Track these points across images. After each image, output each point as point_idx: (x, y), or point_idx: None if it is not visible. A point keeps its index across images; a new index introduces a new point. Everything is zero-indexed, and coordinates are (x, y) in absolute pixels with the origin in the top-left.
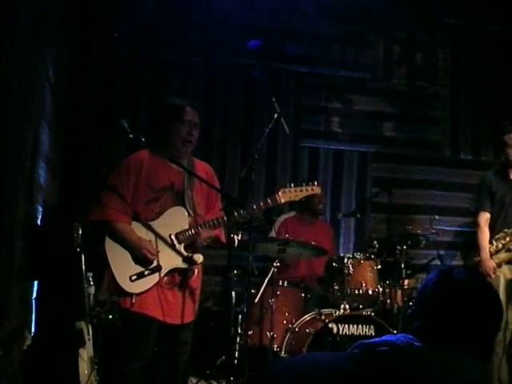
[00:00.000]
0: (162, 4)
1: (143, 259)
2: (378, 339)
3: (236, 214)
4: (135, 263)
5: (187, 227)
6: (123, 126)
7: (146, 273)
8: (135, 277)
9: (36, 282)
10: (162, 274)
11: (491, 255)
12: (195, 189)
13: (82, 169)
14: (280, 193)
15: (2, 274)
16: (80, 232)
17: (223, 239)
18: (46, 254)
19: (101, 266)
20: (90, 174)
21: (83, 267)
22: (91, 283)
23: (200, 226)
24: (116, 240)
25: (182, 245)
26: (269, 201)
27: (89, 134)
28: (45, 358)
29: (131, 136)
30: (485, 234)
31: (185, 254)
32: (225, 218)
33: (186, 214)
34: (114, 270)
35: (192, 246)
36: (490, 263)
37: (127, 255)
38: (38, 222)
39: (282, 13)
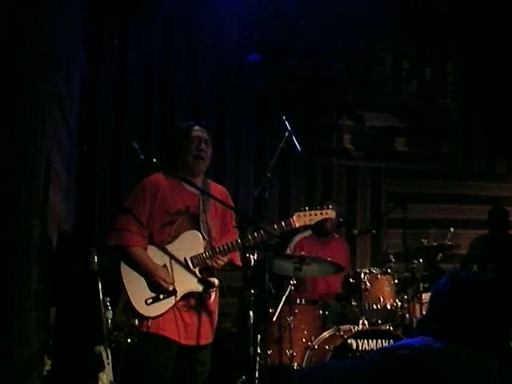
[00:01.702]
0: (171, 27)
1: (159, 286)
2: (397, 343)
3: (251, 237)
4: (150, 289)
5: (202, 251)
6: (135, 147)
7: (162, 297)
8: (151, 300)
9: (54, 308)
10: (178, 298)
11: None
12: (210, 212)
13: (95, 193)
14: (295, 217)
15: (19, 299)
16: (96, 256)
17: (238, 262)
18: (63, 280)
19: (117, 290)
20: (104, 199)
21: (100, 292)
22: (109, 308)
23: (215, 250)
24: (132, 265)
25: (197, 268)
26: (283, 224)
27: (102, 159)
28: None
29: (143, 157)
30: None
31: (200, 277)
32: (239, 241)
33: (201, 237)
34: (129, 294)
35: (207, 269)
36: None
37: (142, 280)
38: (54, 248)
39: (291, 32)
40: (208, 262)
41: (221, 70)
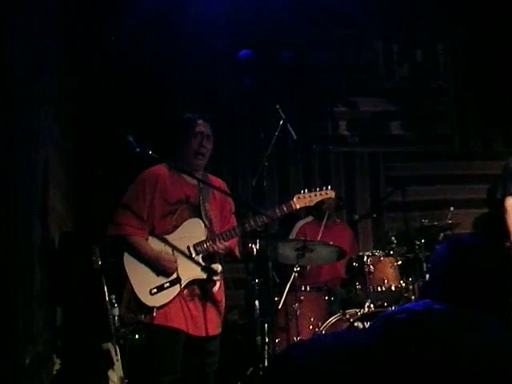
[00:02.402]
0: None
1: (163, 271)
2: (397, 308)
3: (253, 221)
4: (154, 276)
5: (204, 238)
6: (129, 141)
7: (166, 285)
8: (155, 290)
9: (60, 307)
10: (182, 286)
11: None
12: (210, 203)
13: (95, 192)
14: (295, 199)
15: (22, 298)
16: (99, 254)
17: (237, 252)
18: (67, 279)
19: (121, 287)
20: (103, 197)
21: (105, 289)
22: (115, 305)
23: (217, 236)
24: (134, 255)
25: (200, 255)
26: (284, 207)
27: (99, 157)
28: (75, 382)
29: (138, 150)
30: None
31: (203, 264)
32: (239, 229)
33: (203, 225)
34: (133, 285)
35: (210, 256)
36: None
37: (146, 269)
38: (56, 247)
39: (279, 25)
40: (210, 248)
41: (213, 60)
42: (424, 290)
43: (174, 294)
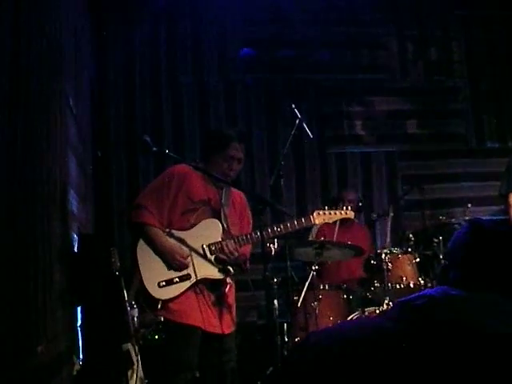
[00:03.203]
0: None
1: (174, 265)
2: (414, 295)
3: (270, 230)
4: (165, 269)
5: (220, 239)
6: (146, 140)
7: (175, 280)
8: (164, 283)
9: (80, 309)
10: (192, 283)
11: None
12: (230, 210)
13: (112, 194)
14: (315, 214)
15: (43, 297)
16: (117, 256)
17: (247, 265)
18: (86, 280)
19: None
20: (120, 199)
21: (124, 290)
22: (134, 306)
23: (233, 238)
24: (149, 244)
25: (214, 256)
26: (303, 222)
27: (115, 159)
28: (95, 382)
29: (154, 149)
30: None
31: (216, 264)
32: (256, 235)
33: (221, 226)
34: (142, 274)
35: (223, 258)
36: None
37: (158, 260)
38: (75, 250)
39: (292, 22)
40: (225, 249)
41: (226, 62)
42: (442, 276)
43: (182, 290)
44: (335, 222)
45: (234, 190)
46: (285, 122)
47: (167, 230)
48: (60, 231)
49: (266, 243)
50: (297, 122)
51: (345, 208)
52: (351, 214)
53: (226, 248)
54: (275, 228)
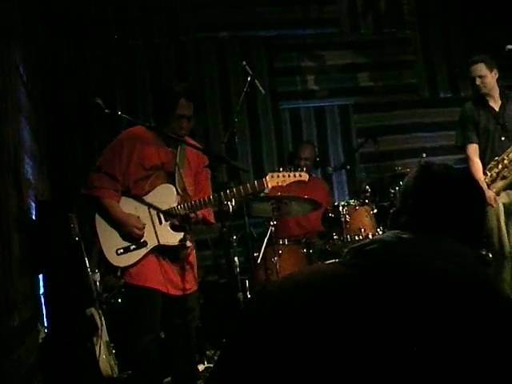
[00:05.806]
0: None
1: (130, 235)
2: (366, 240)
3: (223, 195)
4: (122, 239)
5: (175, 205)
6: (98, 103)
7: (132, 247)
8: (121, 250)
9: (41, 276)
10: (148, 250)
11: (488, 186)
12: (185, 170)
13: (68, 160)
14: (268, 177)
15: (2, 265)
16: (76, 222)
17: (211, 219)
18: (46, 247)
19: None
20: (77, 164)
21: (84, 256)
22: (96, 271)
23: (188, 204)
24: (104, 216)
25: (169, 222)
26: (256, 185)
27: (69, 125)
28: (61, 349)
29: (107, 111)
30: (477, 165)
31: (171, 231)
32: (212, 199)
33: (175, 191)
34: (102, 244)
35: (180, 223)
36: (490, 193)
37: (115, 231)
38: (33, 217)
39: None
40: (180, 215)
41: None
42: (393, 220)
43: (139, 258)
44: None
45: (188, 148)
46: (237, 80)
47: (123, 197)
48: (16, 199)
49: (222, 202)
50: (248, 79)
51: (299, 169)
52: (305, 177)
53: (178, 214)
54: (228, 192)
